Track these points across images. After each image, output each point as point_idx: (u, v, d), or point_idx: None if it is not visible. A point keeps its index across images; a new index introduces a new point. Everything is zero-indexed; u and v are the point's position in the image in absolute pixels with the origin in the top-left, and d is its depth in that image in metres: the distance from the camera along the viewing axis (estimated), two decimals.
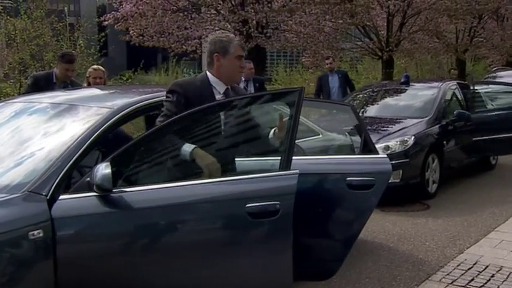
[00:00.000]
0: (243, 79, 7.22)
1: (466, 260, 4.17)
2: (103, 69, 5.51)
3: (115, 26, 11.53)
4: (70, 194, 2.29)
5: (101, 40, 12.32)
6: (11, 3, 14.32)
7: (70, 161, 2.41)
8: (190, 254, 2.44)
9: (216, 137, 2.77)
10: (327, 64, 8.70)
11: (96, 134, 2.57)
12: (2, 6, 11.72)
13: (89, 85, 5.26)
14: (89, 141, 2.52)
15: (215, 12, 10.41)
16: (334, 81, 8.36)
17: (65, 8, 37.94)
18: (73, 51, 5.77)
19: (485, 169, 7.67)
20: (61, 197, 2.25)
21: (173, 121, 2.61)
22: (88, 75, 5.47)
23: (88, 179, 2.32)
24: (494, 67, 18.14)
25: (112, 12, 11.11)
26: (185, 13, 10.24)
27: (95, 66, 5.68)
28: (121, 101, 2.90)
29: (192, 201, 2.47)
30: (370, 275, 3.88)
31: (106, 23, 11.14)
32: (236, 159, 2.78)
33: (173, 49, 11.39)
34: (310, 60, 14.11)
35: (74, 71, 5.45)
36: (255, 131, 2.91)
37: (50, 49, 10.62)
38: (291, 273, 2.57)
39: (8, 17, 11.30)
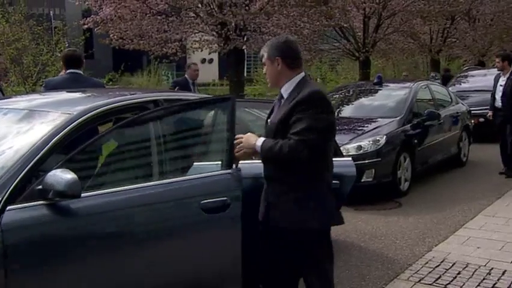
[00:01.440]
0: (190, 81, 7.30)
1: (434, 257, 4.13)
2: None
3: (95, 30, 11.33)
4: (19, 203, 2.17)
5: (81, 43, 12.06)
6: None
7: (25, 169, 2.28)
8: (155, 248, 2.56)
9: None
10: None
11: (54, 140, 2.44)
12: None
13: None
14: (45, 148, 2.39)
15: (194, 15, 10.27)
16: None
17: (51, 11, 37.39)
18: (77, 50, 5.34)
19: (456, 166, 7.67)
20: (10, 207, 2.13)
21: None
22: None
23: (40, 186, 2.20)
24: (466, 66, 18.32)
25: (92, 16, 10.89)
26: (164, 16, 10.07)
27: None
28: (82, 106, 2.77)
29: (152, 201, 2.56)
30: (340, 275, 3.80)
31: (86, 26, 10.92)
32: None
33: (153, 52, 11.21)
34: None
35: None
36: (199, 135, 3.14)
37: (30, 53, 10.36)
38: (240, 263, 2.75)
39: None
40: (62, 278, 2.24)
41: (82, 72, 4.57)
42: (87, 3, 10.94)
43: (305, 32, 12.03)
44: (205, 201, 2.66)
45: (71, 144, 2.56)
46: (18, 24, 10.31)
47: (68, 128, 2.51)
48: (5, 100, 3.27)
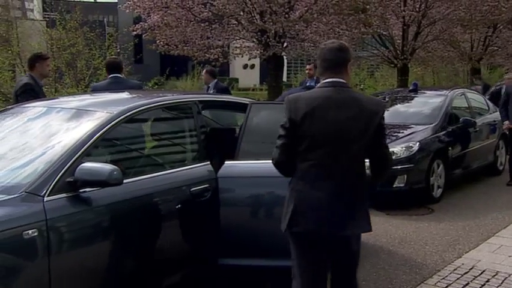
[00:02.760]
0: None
1: (463, 264, 4.03)
2: None
3: (143, 36, 11.68)
4: (59, 193, 2.36)
5: (130, 49, 12.45)
6: (56, 15, 14.66)
7: (68, 163, 2.42)
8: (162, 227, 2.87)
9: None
10: (306, 70, 8.34)
11: (95, 137, 2.59)
12: (47, 18, 11.99)
13: None
14: (88, 143, 2.54)
15: (235, 22, 10.40)
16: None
17: (104, 18, 38.67)
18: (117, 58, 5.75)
19: (492, 174, 7.41)
20: (52, 196, 2.30)
21: None
22: None
23: (69, 179, 2.40)
24: (509, 75, 17.60)
25: (140, 23, 11.23)
26: (207, 23, 10.26)
27: None
28: (123, 106, 2.90)
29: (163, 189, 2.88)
30: (367, 278, 3.77)
31: (135, 33, 11.26)
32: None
33: (197, 57, 11.43)
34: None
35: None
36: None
37: (83, 57, 10.80)
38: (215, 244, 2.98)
39: (47, 28, 11.56)
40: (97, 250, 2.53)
41: (121, 76, 4.97)
42: (137, 11, 11.28)
43: (344, 39, 11.96)
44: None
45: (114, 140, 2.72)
46: (73, 30, 10.76)
47: (110, 125, 2.65)
48: (57, 100, 3.44)
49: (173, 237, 2.84)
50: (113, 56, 5.77)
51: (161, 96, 3.26)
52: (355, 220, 2.36)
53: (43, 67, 4.94)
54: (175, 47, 11.19)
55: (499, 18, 14.53)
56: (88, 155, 2.54)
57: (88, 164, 2.44)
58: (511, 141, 7.17)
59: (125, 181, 2.54)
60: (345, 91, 2.40)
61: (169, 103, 3.13)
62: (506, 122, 7.01)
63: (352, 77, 22.92)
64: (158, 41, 11.30)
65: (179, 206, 2.85)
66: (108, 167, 2.42)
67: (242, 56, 12.05)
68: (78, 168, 2.41)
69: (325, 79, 2.44)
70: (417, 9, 13.20)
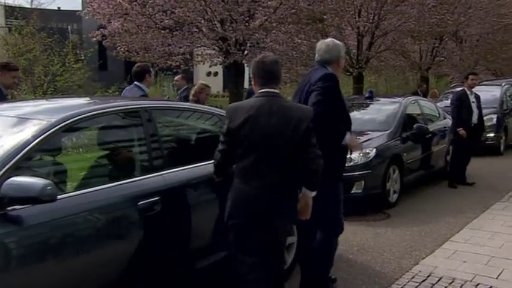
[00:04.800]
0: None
1: (420, 271, 3.85)
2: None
3: (103, 42, 11.15)
4: None
5: (90, 55, 11.86)
6: (19, 22, 13.83)
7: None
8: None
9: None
10: None
11: (28, 148, 2.22)
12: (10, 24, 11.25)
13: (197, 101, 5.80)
14: (18, 157, 2.17)
15: (196, 30, 10.05)
16: None
17: (69, 26, 37.37)
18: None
19: (443, 179, 7.34)
20: None
21: None
22: (198, 91, 6.05)
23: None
24: (454, 84, 18.08)
25: (100, 29, 10.70)
26: (168, 30, 9.86)
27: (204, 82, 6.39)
28: (64, 113, 2.52)
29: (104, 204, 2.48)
30: None
31: (95, 39, 10.72)
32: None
33: (158, 64, 11.00)
34: (287, 76, 13.83)
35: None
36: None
37: (40, 63, 10.15)
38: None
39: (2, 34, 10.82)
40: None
41: (139, 84, 4.96)
42: (96, 17, 10.73)
43: (303, 48, 11.83)
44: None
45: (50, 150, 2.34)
46: (30, 36, 10.09)
47: (45, 134, 2.28)
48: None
49: (118, 258, 2.48)
50: (141, 64, 5.69)
51: (107, 103, 2.89)
52: (280, 214, 2.58)
53: (6, 78, 4.59)
54: (135, 53, 10.72)
55: (445, 31, 14.87)
56: (18, 168, 2.17)
57: (17, 179, 2.07)
58: (457, 146, 7.16)
59: (62, 196, 2.19)
60: (277, 100, 2.60)
61: (114, 110, 2.76)
62: (461, 129, 6.98)
63: None
64: (119, 48, 10.82)
65: (125, 222, 2.50)
66: (40, 181, 2.06)
67: (204, 63, 11.71)
68: (5, 183, 2.04)
69: (260, 90, 2.63)
70: (370, 21, 13.28)
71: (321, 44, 3.32)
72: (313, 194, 2.68)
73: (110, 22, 10.51)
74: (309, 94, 3.12)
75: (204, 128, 3.52)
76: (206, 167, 2.92)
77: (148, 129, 2.83)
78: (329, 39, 3.40)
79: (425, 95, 13.00)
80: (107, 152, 2.87)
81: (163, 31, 9.75)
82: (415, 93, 13.27)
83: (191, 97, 6.18)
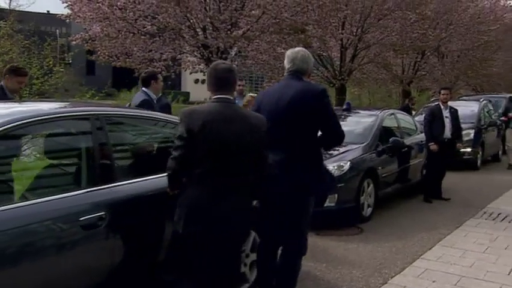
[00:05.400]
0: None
1: None
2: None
3: (84, 46, 10.89)
4: None
5: (69, 59, 11.57)
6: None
7: None
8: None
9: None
10: (239, 86, 7.80)
11: None
12: None
13: None
14: None
15: (177, 36, 9.83)
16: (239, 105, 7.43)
17: (57, 30, 36.85)
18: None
19: (419, 193, 7.21)
20: None
21: None
22: (245, 104, 5.82)
23: None
24: (434, 98, 18.17)
25: (81, 33, 10.45)
26: (148, 36, 9.64)
27: (252, 94, 6.16)
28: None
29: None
30: None
31: (74, 42, 10.45)
32: None
33: (139, 70, 10.76)
34: (270, 85, 13.71)
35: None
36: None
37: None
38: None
39: None
40: None
41: (145, 89, 5.04)
42: (77, 21, 10.47)
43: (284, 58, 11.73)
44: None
45: None
46: (6, 38, 9.77)
47: None
48: None
49: (55, 280, 2.24)
50: (150, 69, 5.65)
51: (52, 109, 2.65)
52: (236, 220, 2.50)
53: (12, 82, 4.52)
54: (116, 58, 10.50)
55: (427, 45, 14.93)
56: None
57: None
58: (430, 161, 7.06)
59: None
60: (233, 107, 2.58)
61: (59, 116, 2.52)
62: (432, 143, 6.90)
63: None
64: (99, 52, 10.57)
65: (63, 240, 2.27)
66: None
67: (185, 70, 11.51)
68: None
69: (215, 95, 2.57)
70: (354, 33, 13.26)
71: (296, 53, 3.08)
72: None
73: (92, 26, 10.27)
74: (301, 109, 2.88)
75: (164, 138, 3.31)
76: (162, 179, 2.70)
77: (97, 137, 2.61)
78: (299, 48, 3.19)
79: (410, 109, 12.96)
80: (48, 161, 2.64)
81: (143, 37, 9.53)
82: (406, 106, 13.29)
83: None
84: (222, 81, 2.56)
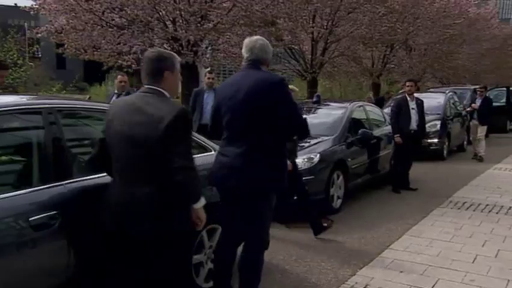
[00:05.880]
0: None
1: (356, 283, 3.63)
2: None
3: (50, 39, 10.47)
4: None
5: (31, 51, 11.10)
6: None
7: None
8: None
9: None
10: (208, 78, 7.28)
11: None
12: None
13: None
14: None
15: (146, 28, 9.56)
16: (209, 99, 6.77)
17: (26, 23, 35.59)
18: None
19: (388, 184, 7.25)
20: None
21: None
22: None
23: None
24: (403, 90, 18.39)
25: (46, 25, 10.03)
26: (116, 28, 9.33)
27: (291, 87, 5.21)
28: None
29: None
30: None
31: (39, 35, 10.03)
32: None
33: (107, 63, 10.43)
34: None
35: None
36: None
37: None
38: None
39: None
40: None
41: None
42: (42, 13, 10.04)
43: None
44: None
45: None
46: None
47: None
48: None
49: (8, 283, 2.07)
50: None
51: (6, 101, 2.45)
52: (151, 220, 2.22)
53: None
54: (84, 51, 10.13)
55: (395, 39, 15.06)
56: None
57: None
58: (397, 152, 7.10)
59: None
60: (145, 98, 2.30)
61: (6, 110, 2.31)
62: (397, 136, 6.94)
63: None
64: (66, 45, 10.18)
65: (10, 241, 2.10)
66: None
67: None
68: None
69: (144, 85, 2.38)
70: (324, 27, 13.24)
71: (255, 43, 2.92)
72: (199, 204, 2.32)
73: (58, 18, 9.87)
74: (260, 100, 2.74)
75: None
76: None
77: (50, 133, 2.43)
78: (257, 37, 3.04)
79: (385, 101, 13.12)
80: None
81: (110, 29, 9.21)
82: (381, 99, 13.39)
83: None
84: (147, 70, 2.35)
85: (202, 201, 2.33)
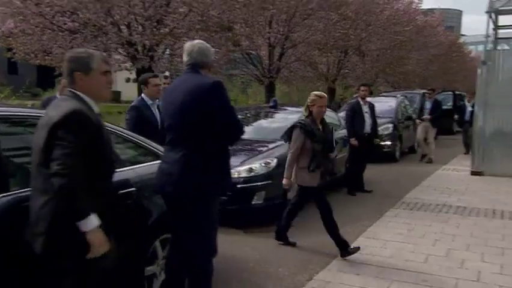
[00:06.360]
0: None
1: None
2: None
3: None
4: None
5: None
6: None
7: None
8: None
9: None
10: (165, 83, 7.35)
11: None
12: None
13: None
14: None
15: (97, 33, 9.22)
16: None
17: None
18: None
19: (344, 186, 7.31)
20: None
21: None
22: (310, 103, 4.50)
23: None
24: (356, 95, 18.81)
25: None
26: (67, 32, 8.95)
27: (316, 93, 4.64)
28: None
29: None
30: None
31: None
32: None
33: (59, 68, 9.97)
34: None
35: None
36: None
37: None
38: None
39: None
40: None
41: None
42: None
43: (217, 57, 11.46)
44: None
45: None
46: None
47: None
48: None
49: None
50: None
51: None
52: (45, 233, 2.03)
53: None
54: (34, 56, 9.65)
55: (349, 44, 15.38)
56: None
57: None
58: (352, 155, 7.19)
59: None
60: (64, 100, 2.16)
61: None
62: (353, 139, 7.03)
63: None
64: (15, 49, 9.67)
65: None
66: None
67: (113, 69, 10.87)
68: None
69: None
70: (281, 32, 13.31)
71: (193, 46, 2.85)
72: (87, 225, 1.99)
73: (5, 21, 9.36)
74: (194, 105, 2.65)
75: None
76: None
77: None
78: (197, 41, 2.96)
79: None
80: None
81: (61, 33, 8.82)
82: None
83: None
84: (64, 73, 2.21)
85: (92, 222, 1.99)
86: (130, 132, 3.57)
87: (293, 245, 4.68)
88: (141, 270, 3.00)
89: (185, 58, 2.86)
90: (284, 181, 4.52)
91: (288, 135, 4.60)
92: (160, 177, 2.79)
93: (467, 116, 10.96)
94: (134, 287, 3.00)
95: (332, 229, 4.35)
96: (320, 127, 4.50)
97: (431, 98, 10.82)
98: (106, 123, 3.29)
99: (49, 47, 9.03)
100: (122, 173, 2.99)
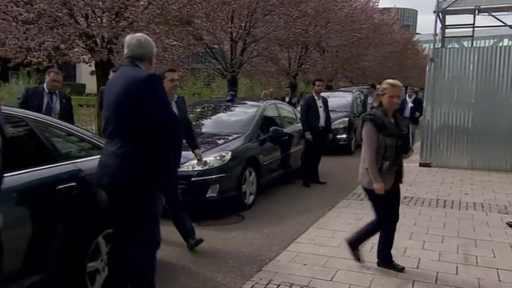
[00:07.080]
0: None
1: (261, 279, 3.54)
2: None
3: None
4: None
5: None
6: None
7: None
8: None
9: None
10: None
11: None
12: None
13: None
14: None
15: (52, 24, 8.79)
16: None
17: None
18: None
19: (299, 178, 7.33)
20: None
21: None
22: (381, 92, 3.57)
23: None
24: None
25: None
26: (20, 23, 8.48)
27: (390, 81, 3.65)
28: None
29: None
30: None
31: None
32: None
33: (14, 60, 9.46)
34: None
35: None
36: None
37: None
38: None
39: None
40: None
41: None
42: None
43: (179, 51, 11.20)
44: None
45: None
46: None
47: None
48: None
49: None
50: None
51: None
52: None
53: None
54: None
55: (309, 41, 15.45)
56: None
57: None
58: (307, 148, 7.23)
59: None
60: None
61: None
62: (308, 133, 7.04)
63: (190, 87, 22.54)
64: None
65: None
66: None
67: (71, 61, 10.41)
68: None
69: None
70: (242, 28, 13.19)
71: (132, 39, 2.79)
72: None
73: None
74: (127, 98, 2.57)
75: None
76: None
77: None
78: (138, 34, 2.88)
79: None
80: None
81: (14, 24, 8.35)
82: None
83: (373, 103, 3.94)
84: None
85: None
86: (73, 126, 3.41)
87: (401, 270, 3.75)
88: (82, 266, 2.87)
89: (125, 51, 2.76)
90: (376, 185, 3.64)
91: (359, 131, 3.79)
92: (98, 170, 2.69)
93: (407, 112, 10.35)
94: (75, 283, 2.87)
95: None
96: (392, 120, 3.63)
97: (372, 93, 10.90)
98: (43, 116, 3.12)
99: (2, 38, 8.54)
100: (61, 167, 2.85)
